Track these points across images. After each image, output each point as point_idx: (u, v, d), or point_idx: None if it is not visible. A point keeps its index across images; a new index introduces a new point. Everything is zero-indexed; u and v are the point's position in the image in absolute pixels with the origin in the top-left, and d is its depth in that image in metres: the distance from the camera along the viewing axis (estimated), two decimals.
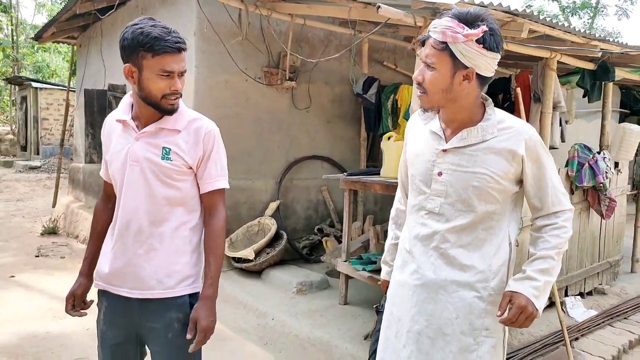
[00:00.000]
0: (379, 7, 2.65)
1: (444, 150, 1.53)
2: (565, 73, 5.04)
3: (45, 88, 15.08)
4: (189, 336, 1.60)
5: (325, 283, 4.50)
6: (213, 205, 1.71)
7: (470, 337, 1.51)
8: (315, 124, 5.61)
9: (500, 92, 4.56)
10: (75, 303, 1.78)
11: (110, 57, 6.68)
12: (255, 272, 4.71)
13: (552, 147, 3.97)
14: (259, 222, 5.02)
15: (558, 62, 3.87)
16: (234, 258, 4.76)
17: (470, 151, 1.50)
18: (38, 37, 7.88)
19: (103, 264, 1.72)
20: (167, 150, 1.63)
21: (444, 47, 1.41)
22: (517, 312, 1.44)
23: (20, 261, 5.50)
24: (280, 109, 5.34)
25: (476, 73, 1.44)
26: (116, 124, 1.72)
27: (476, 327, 1.51)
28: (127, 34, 1.55)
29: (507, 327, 1.56)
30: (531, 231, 1.60)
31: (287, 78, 5.06)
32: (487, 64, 1.44)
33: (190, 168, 1.67)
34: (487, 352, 1.51)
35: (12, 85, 17.88)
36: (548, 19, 3.32)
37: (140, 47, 1.53)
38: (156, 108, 1.61)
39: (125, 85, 6.22)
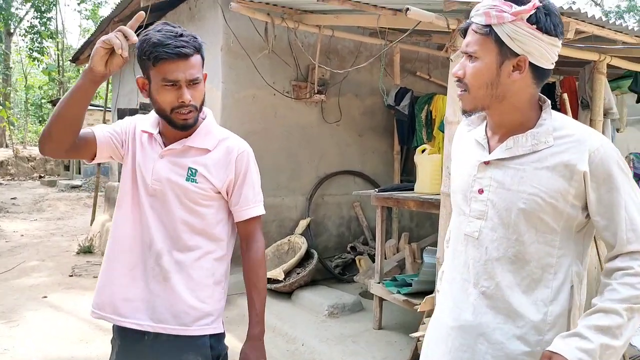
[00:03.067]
0: (407, 9, 2.45)
1: (486, 163, 1.25)
2: (614, 78, 4.68)
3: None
4: None
5: (358, 305, 4.26)
6: (251, 234, 1.54)
7: None
8: (345, 138, 5.42)
9: None
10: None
11: None
12: (285, 293, 4.52)
13: None
14: (288, 240, 4.85)
15: (608, 65, 3.56)
16: None
17: (517, 164, 1.20)
18: (75, 59, 8.10)
19: (115, 290, 1.50)
20: (194, 171, 1.46)
21: (489, 31, 1.16)
22: None
23: (54, 281, 5.52)
24: (310, 123, 5.18)
25: (530, 63, 1.16)
26: (141, 132, 1.54)
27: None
28: (137, 43, 1.39)
29: None
30: (601, 275, 1.22)
31: (316, 91, 4.91)
32: (543, 51, 1.15)
33: (219, 193, 1.49)
34: None
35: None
36: (607, 19, 3.03)
37: (144, 56, 1.37)
38: (169, 123, 1.43)
39: None
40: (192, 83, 1.39)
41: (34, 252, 6.97)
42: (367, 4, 3.35)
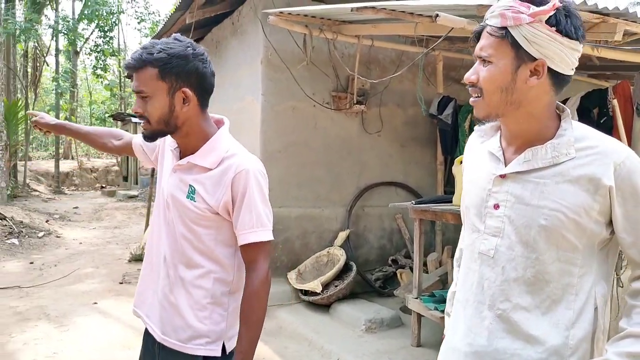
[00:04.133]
0: (437, 15, 2.37)
1: (502, 176, 1.17)
2: None
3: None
4: None
5: (397, 321, 4.14)
6: (250, 261, 1.43)
7: None
8: (387, 149, 5.34)
9: (596, 106, 3.99)
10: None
11: None
12: (324, 306, 4.48)
13: None
14: (328, 252, 4.81)
15: None
16: (301, 290, 4.58)
17: (537, 178, 1.12)
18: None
19: (145, 294, 1.58)
20: (193, 189, 1.42)
21: (504, 34, 1.08)
22: None
23: (105, 287, 5.75)
24: (350, 134, 5.14)
25: (548, 68, 1.08)
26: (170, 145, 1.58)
27: None
28: None
29: None
30: (626, 296, 1.14)
31: (356, 102, 4.87)
32: (563, 55, 1.07)
33: (217, 214, 1.41)
34: None
35: (117, 121, 19.61)
36: None
37: None
38: None
39: None
40: (140, 96, 1.37)
41: (90, 259, 7.31)
42: (403, 12, 3.29)
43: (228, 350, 1.47)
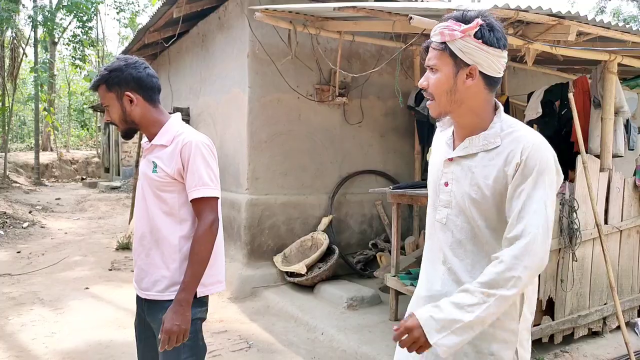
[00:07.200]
0: (411, 18, 2.64)
1: (450, 160, 1.48)
2: (635, 76, 4.70)
3: None
4: (158, 337, 1.72)
5: (377, 299, 4.44)
6: (198, 214, 1.79)
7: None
8: (368, 139, 5.62)
9: (557, 99, 4.33)
10: None
11: (177, 82, 7.11)
12: (308, 287, 4.75)
13: (616, 155, 3.70)
14: (312, 237, 5.08)
15: (620, 64, 3.63)
16: (287, 272, 4.84)
17: (471, 161, 1.43)
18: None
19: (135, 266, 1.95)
20: (155, 164, 1.82)
21: (444, 47, 1.37)
22: (402, 331, 1.31)
23: (95, 274, 5.92)
24: (333, 125, 5.40)
25: (481, 72, 1.37)
26: None
27: (481, 351, 1.41)
28: None
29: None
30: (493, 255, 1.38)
31: (338, 94, 5.12)
32: (490, 61, 1.36)
33: (175, 179, 1.78)
34: None
35: (97, 112, 19.46)
36: (609, 21, 3.13)
37: None
38: None
39: (188, 107, 6.59)
40: (105, 107, 1.82)
41: (77, 248, 7.43)
42: (381, 11, 3.55)
43: (199, 295, 1.81)
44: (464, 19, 1.36)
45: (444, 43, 1.37)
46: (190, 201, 1.78)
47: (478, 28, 1.33)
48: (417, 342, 1.29)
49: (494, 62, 1.37)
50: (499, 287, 1.27)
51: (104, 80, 1.77)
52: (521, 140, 1.36)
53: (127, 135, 1.87)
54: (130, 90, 1.78)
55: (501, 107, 1.47)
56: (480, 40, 1.34)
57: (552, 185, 1.35)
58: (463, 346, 1.35)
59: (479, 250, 1.42)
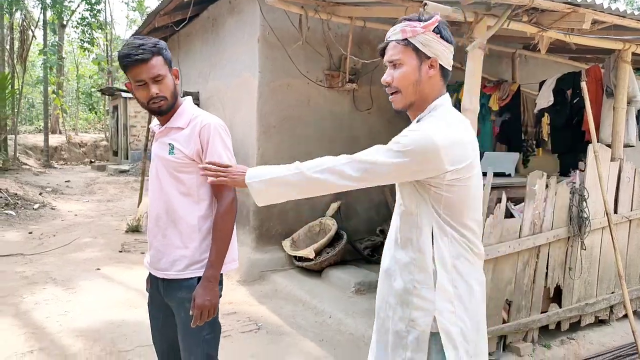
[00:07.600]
0: (425, 4, 2.63)
1: None
2: None
3: (133, 98, 16.24)
4: (190, 313, 1.77)
5: None
6: (216, 194, 1.86)
7: (402, 324, 1.56)
8: (376, 125, 5.62)
9: (570, 87, 4.30)
10: None
11: (186, 66, 7.12)
12: (316, 271, 4.80)
13: (627, 145, 3.68)
14: (320, 222, 5.12)
15: (634, 53, 3.60)
16: (295, 257, 4.89)
17: None
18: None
19: (148, 250, 1.98)
20: (172, 146, 1.83)
21: (407, 43, 1.52)
22: (225, 171, 1.65)
23: (105, 256, 6.01)
24: (342, 111, 5.40)
25: (440, 65, 1.53)
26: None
27: (403, 317, 1.56)
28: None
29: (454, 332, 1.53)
30: None
31: (348, 80, 5.12)
32: (445, 55, 1.53)
33: (193, 160, 1.81)
34: (411, 343, 1.53)
35: (106, 96, 19.50)
36: (625, 9, 3.10)
37: (121, 67, 1.76)
38: (149, 112, 1.84)
39: (198, 92, 6.61)
40: (156, 80, 1.74)
41: (87, 230, 7.53)
42: None
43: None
44: (420, 19, 1.53)
45: (406, 39, 1.52)
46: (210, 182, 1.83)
47: (437, 24, 1.51)
48: (237, 181, 1.61)
49: (447, 56, 1.55)
50: (311, 168, 1.58)
51: (163, 52, 1.76)
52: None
53: (164, 111, 1.82)
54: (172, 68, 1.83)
55: (446, 95, 1.60)
56: (439, 35, 1.51)
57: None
58: (388, 311, 1.61)
59: (409, 223, 1.62)
